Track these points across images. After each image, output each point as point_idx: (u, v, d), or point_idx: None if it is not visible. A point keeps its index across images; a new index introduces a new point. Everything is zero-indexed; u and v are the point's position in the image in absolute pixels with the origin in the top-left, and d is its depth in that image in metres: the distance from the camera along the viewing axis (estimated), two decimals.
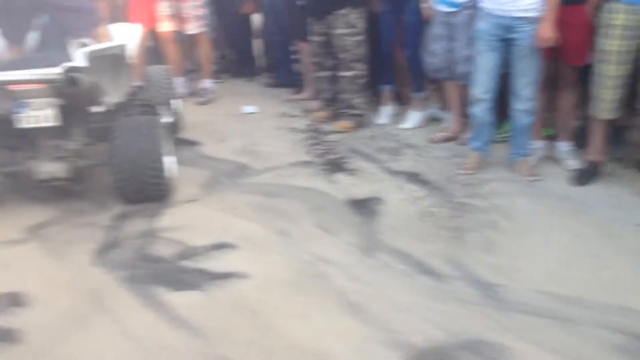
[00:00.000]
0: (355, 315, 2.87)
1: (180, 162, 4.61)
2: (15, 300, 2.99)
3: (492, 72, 4.20)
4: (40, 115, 3.67)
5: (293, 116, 5.76)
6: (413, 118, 5.38)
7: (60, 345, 2.69)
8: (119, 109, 4.24)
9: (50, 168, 3.81)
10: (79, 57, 3.68)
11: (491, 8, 4.12)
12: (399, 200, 4.02)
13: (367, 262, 3.33)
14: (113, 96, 4.13)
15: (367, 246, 3.48)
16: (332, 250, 3.43)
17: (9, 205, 4.00)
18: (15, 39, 4.24)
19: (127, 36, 4.67)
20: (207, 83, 6.39)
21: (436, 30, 4.76)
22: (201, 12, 6.16)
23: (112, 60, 3.91)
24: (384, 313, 2.87)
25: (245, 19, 7.06)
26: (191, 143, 5.08)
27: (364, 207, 3.95)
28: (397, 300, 2.96)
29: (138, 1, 6.06)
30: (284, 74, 6.74)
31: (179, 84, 6.08)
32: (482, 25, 4.20)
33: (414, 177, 4.35)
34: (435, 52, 4.81)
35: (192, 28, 6.14)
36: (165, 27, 6.11)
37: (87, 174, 4.09)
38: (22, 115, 3.66)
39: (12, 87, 3.61)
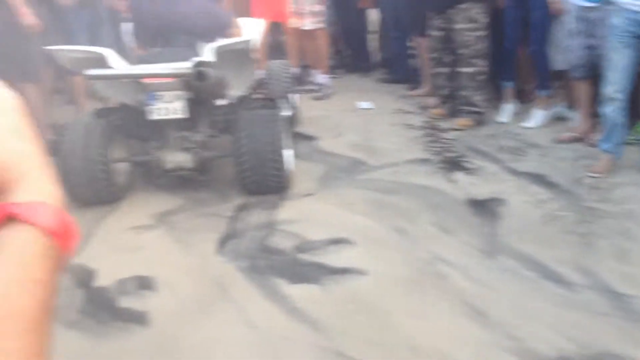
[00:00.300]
0: (475, 318, 2.78)
1: (298, 156, 4.67)
2: (143, 284, 3.13)
3: (626, 70, 3.98)
4: (170, 107, 3.84)
5: (409, 112, 5.70)
6: (537, 116, 5.17)
7: (184, 330, 2.78)
8: (242, 102, 4.35)
9: (177, 158, 3.96)
10: (207, 53, 3.80)
11: (626, 3, 3.88)
12: (521, 202, 3.87)
13: (488, 264, 3.23)
14: (237, 90, 4.28)
15: (488, 248, 3.37)
16: (450, 250, 3.36)
17: (140, 193, 4.19)
18: (145, 41, 4.44)
19: (251, 31, 4.79)
20: (323, 78, 6.44)
21: (573, 25, 4.54)
22: (318, 8, 6.20)
23: (238, 55, 3.99)
24: (505, 318, 2.77)
25: (362, 14, 7.05)
26: (308, 137, 5.13)
27: (484, 207, 3.84)
28: (520, 306, 2.85)
29: None
30: (399, 70, 6.68)
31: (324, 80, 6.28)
32: (616, 20, 3.97)
33: (538, 179, 4.18)
34: (571, 48, 4.59)
35: (309, 24, 6.20)
36: (293, 22, 6.22)
37: (211, 165, 4.21)
38: (153, 107, 3.83)
39: (145, 80, 3.79)
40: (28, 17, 4.64)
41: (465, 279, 3.08)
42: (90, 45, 5.21)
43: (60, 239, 0.63)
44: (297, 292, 3.03)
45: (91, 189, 3.88)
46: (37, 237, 0.61)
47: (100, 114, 4.25)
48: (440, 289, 3.02)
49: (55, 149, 3.87)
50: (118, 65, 3.83)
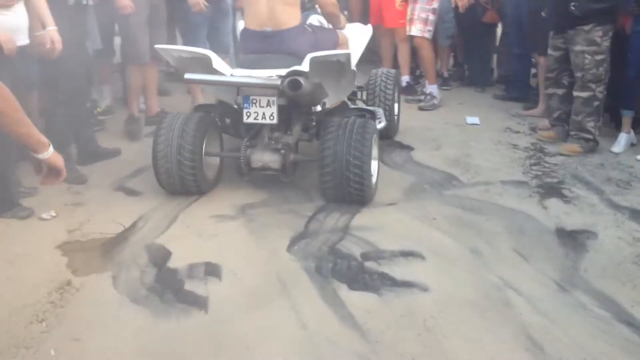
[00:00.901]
0: (534, 352, 2.64)
1: (390, 164, 4.66)
2: (211, 270, 3.24)
3: None
4: (263, 112, 3.93)
5: (517, 132, 5.50)
6: None
7: (238, 318, 2.86)
8: (337, 110, 4.40)
9: (265, 158, 4.00)
10: (304, 63, 3.81)
11: None
12: (615, 238, 3.63)
13: (561, 298, 3.05)
14: (333, 98, 4.32)
15: (564, 281, 3.19)
16: (523, 278, 3.20)
17: (228, 185, 4.34)
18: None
19: (357, 38, 4.81)
20: (431, 88, 6.34)
21: None
22: (427, 15, 6.11)
23: (336, 66, 3.99)
24: (563, 356, 2.61)
25: (486, 28, 6.87)
26: (404, 147, 5.09)
27: (572, 239, 3.63)
28: (582, 346, 2.67)
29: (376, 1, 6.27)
30: (517, 88, 6.46)
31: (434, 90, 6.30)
32: None
33: (638, 216, 3.89)
34: None
35: (415, 30, 6.13)
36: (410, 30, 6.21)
37: (297, 168, 4.23)
38: (247, 110, 3.95)
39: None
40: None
41: (532, 310, 2.93)
42: (209, 38, 5.50)
43: None
44: (355, 299, 3.02)
45: (181, 179, 4.01)
46: None
47: (199, 108, 4.48)
48: (502, 317, 2.89)
49: (154, 137, 4.09)
50: (220, 67, 3.99)
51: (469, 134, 5.45)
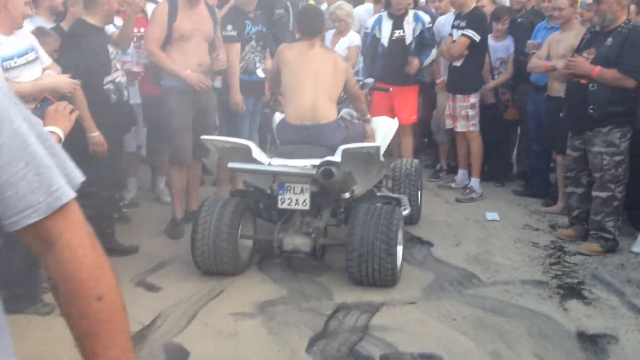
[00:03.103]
0: None
1: (410, 260, 4.68)
2: None
3: None
4: (297, 199, 4.18)
5: (537, 229, 5.51)
6: None
7: None
8: (364, 197, 4.66)
9: (296, 241, 4.24)
10: (337, 154, 4.14)
11: None
12: (636, 342, 3.59)
13: None
14: (362, 186, 4.59)
15: None
16: None
17: (249, 279, 4.39)
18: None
19: (384, 130, 5.13)
20: (473, 182, 6.45)
21: None
22: (467, 112, 6.29)
23: (366, 157, 4.30)
24: None
25: (506, 125, 7.00)
26: (424, 242, 5.12)
27: (593, 343, 3.60)
28: None
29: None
30: (536, 184, 6.51)
31: (461, 178, 6.62)
32: None
33: None
34: None
35: (460, 126, 6.34)
36: (448, 124, 6.53)
37: (326, 251, 4.38)
38: (282, 196, 4.19)
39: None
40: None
41: None
42: (249, 130, 5.71)
43: None
44: None
45: (217, 259, 4.24)
46: None
47: (236, 193, 4.77)
48: None
49: (194, 220, 4.31)
50: (259, 156, 4.30)
51: (488, 230, 5.48)
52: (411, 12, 6.51)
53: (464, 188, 6.46)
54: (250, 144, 4.36)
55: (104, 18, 4.45)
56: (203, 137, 4.52)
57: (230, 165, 4.36)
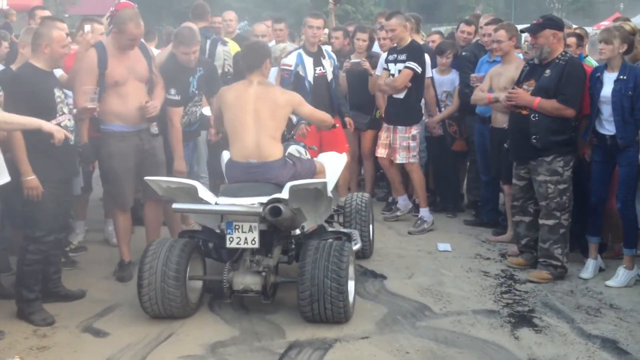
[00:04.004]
0: None
1: (363, 294, 4.67)
2: None
3: None
4: (245, 237, 4.14)
5: (487, 258, 5.57)
6: (622, 276, 4.89)
7: None
8: (315, 232, 4.64)
9: (246, 281, 4.17)
10: (284, 191, 4.13)
11: None
12: None
13: None
14: (311, 222, 4.54)
15: None
16: None
17: (199, 320, 4.30)
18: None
19: (333, 166, 5.12)
20: (422, 212, 6.47)
21: None
22: (408, 143, 6.34)
23: (314, 193, 4.28)
24: None
25: (455, 156, 7.11)
26: (377, 276, 5.12)
27: None
28: None
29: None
30: (486, 213, 6.59)
31: (402, 203, 6.67)
32: None
33: (610, 345, 3.92)
34: None
35: (400, 158, 6.35)
36: (380, 153, 6.51)
37: (278, 289, 4.31)
38: (231, 235, 4.14)
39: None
40: None
41: None
42: (191, 170, 5.66)
43: None
44: None
45: (164, 304, 4.14)
46: None
47: (184, 234, 4.68)
48: None
49: (139, 265, 4.21)
50: (206, 195, 4.25)
51: (440, 261, 5.52)
52: (323, 49, 6.52)
53: (416, 220, 6.49)
54: (196, 184, 4.32)
55: (49, 62, 4.38)
56: (147, 178, 4.44)
57: (175, 206, 4.32)
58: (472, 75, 6.25)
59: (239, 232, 4.13)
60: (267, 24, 7.83)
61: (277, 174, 4.43)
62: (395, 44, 6.43)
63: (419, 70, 6.23)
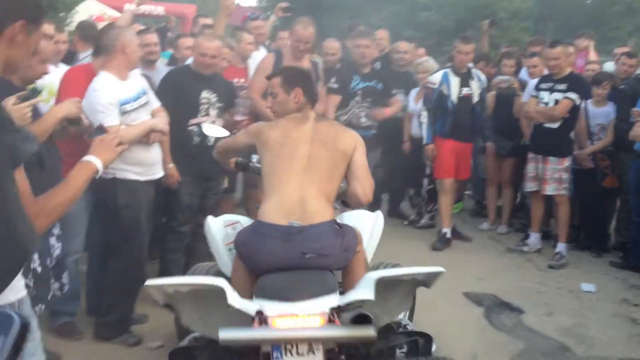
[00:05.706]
0: None
1: (498, 326, 4.50)
2: None
3: None
4: None
5: (636, 305, 5.18)
6: None
7: None
8: (380, 333, 2.79)
9: None
10: (363, 287, 2.75)
11: None
12: None
13: None
14: (384, 319, 2.97)
15: None
16: None
17: None
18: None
19: (371, 229, 3.57)
20: (561, 247, 6.20)
21: None
22: (560, 175, 6.10)
23: (400, 285, 2.90)
24: None
25: (605, 192, 6.71)
26: (513, 309, 4.91)
27: None
28: None
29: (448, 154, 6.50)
30: (635, 257, 6.15)
31: (533, 241, 6.40)
32: None
33: None
34: None
35: (550, 189, 6.14)
36: (529, 187, 6.33)
37: None
38: None
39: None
40: None
41: None
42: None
43: None
44: None
45: None
46: None
47: (178, 354, 2.90)
48: None
49: None
50: (236, 301, 2.63)
51: (584, 302, 5.20)
52: (473, 71, 6.60)
53: (554, 254, 6.18)
54: (222, 283, 2.62)
55: (200, 67, 4.66)
56: (147, 283, 2.64)
57: (223, 336, 2.49)
58: (634, 109, 5.89)
59: (291, 356, 2.60)
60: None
61: (327, 244, 2.97)
62: (549, 72, 6.23)
63: (578, 102, 6.02)
